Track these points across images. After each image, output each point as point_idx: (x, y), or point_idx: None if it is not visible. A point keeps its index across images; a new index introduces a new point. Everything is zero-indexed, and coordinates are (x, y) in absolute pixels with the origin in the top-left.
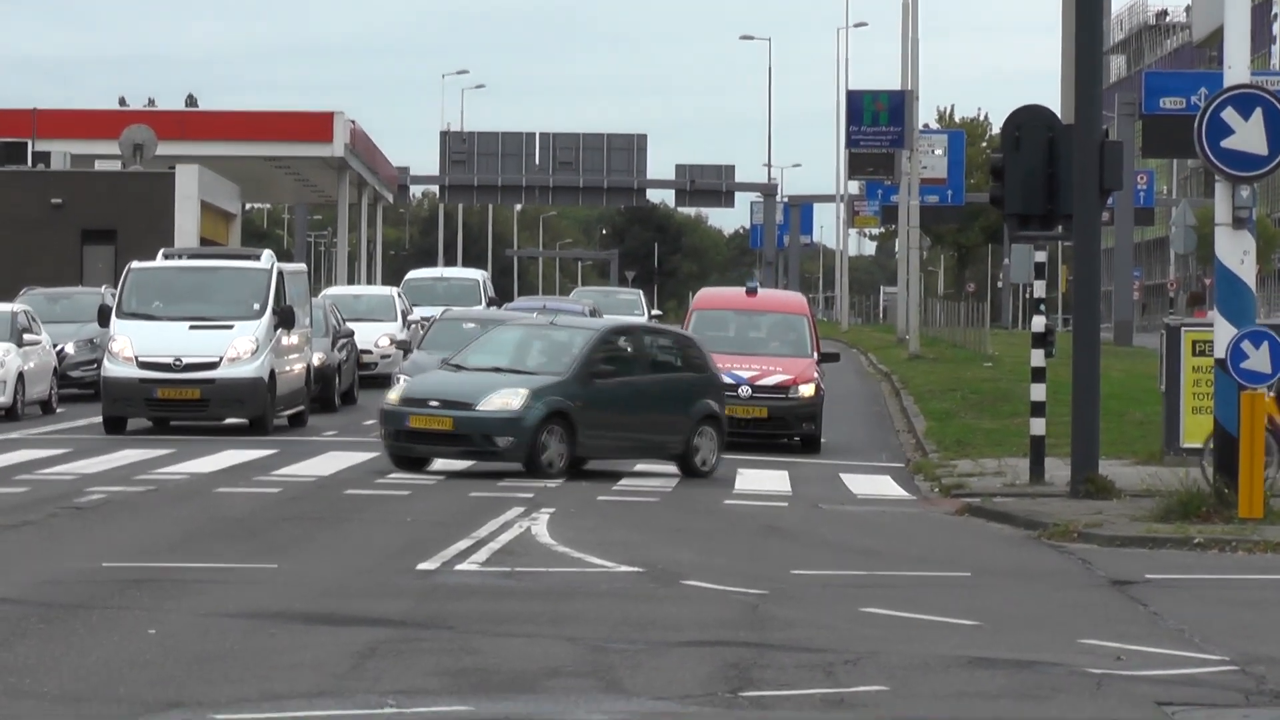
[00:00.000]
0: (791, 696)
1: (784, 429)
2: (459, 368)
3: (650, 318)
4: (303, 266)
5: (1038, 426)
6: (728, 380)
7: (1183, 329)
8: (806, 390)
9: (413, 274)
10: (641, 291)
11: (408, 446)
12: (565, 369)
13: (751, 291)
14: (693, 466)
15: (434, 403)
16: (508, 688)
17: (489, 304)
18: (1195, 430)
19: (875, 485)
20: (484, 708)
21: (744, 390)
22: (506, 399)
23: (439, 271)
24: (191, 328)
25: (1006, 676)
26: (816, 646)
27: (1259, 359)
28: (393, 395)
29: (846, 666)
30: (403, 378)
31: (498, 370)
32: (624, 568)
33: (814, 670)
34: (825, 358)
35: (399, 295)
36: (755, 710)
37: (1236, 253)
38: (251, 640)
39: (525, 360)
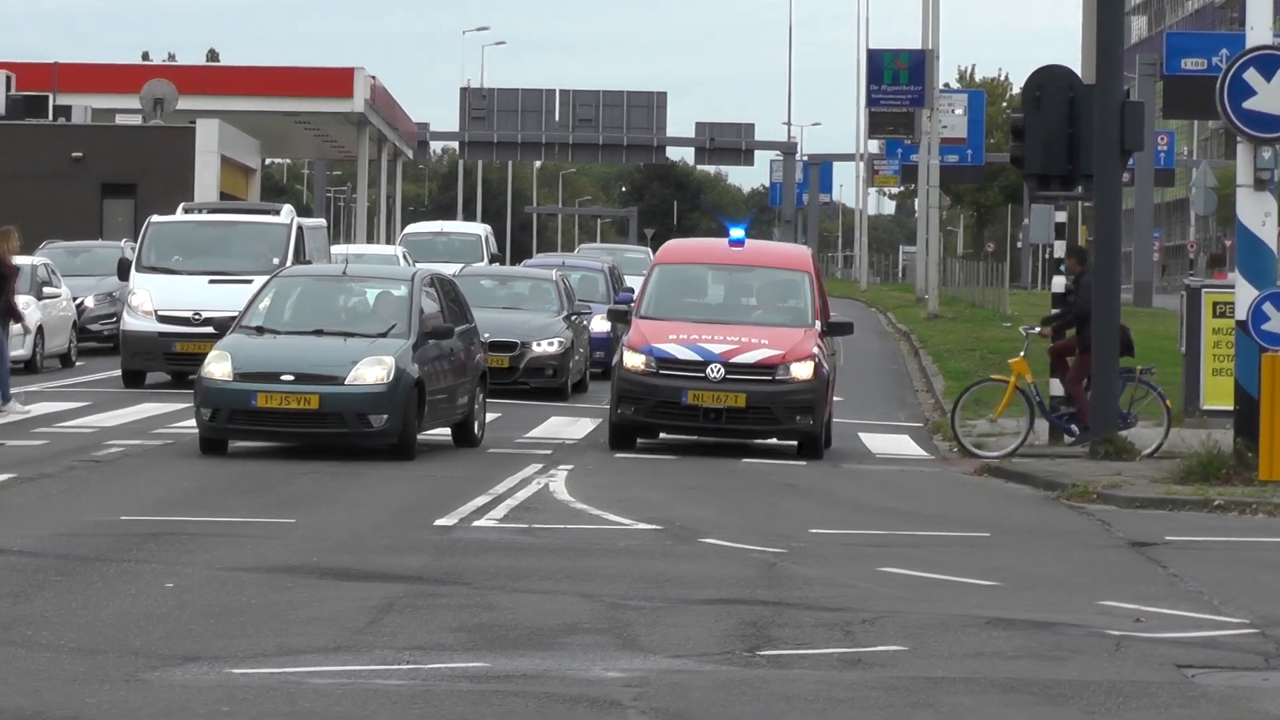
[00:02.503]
0: (809, 655)
1: (768, 423)
2: (266, 331)
3: None
4: (322, 222)
5: (1057, 387)
6: (691, 356)
7: (1203, 290)
8: (801, 370)
9: (411, 228)
10: (650, 248)
11: (247, 430)
12: (406, 329)
13: (737, 242)
14: (471, 435)
15: (287, 376)
16: (525, 644)
17: (491, 260)
18: (1215, 392)
19: (894, 444)
20: (501, 664)
21: (714, 370)
22: (376, 370)
23: (439, 226)
24: (211, 282)
25: (1025, 637)
26: (834, 605)
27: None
28: (216, 369)
29: (864, 626)
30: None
31: (321, 333)
32: (642, 525)
33: (832, 629)
34: (834, 329)
35: (404, 255)
36: (773, 669)
37: (1258, 214)
38: (268, 595)
39: (351, 321)
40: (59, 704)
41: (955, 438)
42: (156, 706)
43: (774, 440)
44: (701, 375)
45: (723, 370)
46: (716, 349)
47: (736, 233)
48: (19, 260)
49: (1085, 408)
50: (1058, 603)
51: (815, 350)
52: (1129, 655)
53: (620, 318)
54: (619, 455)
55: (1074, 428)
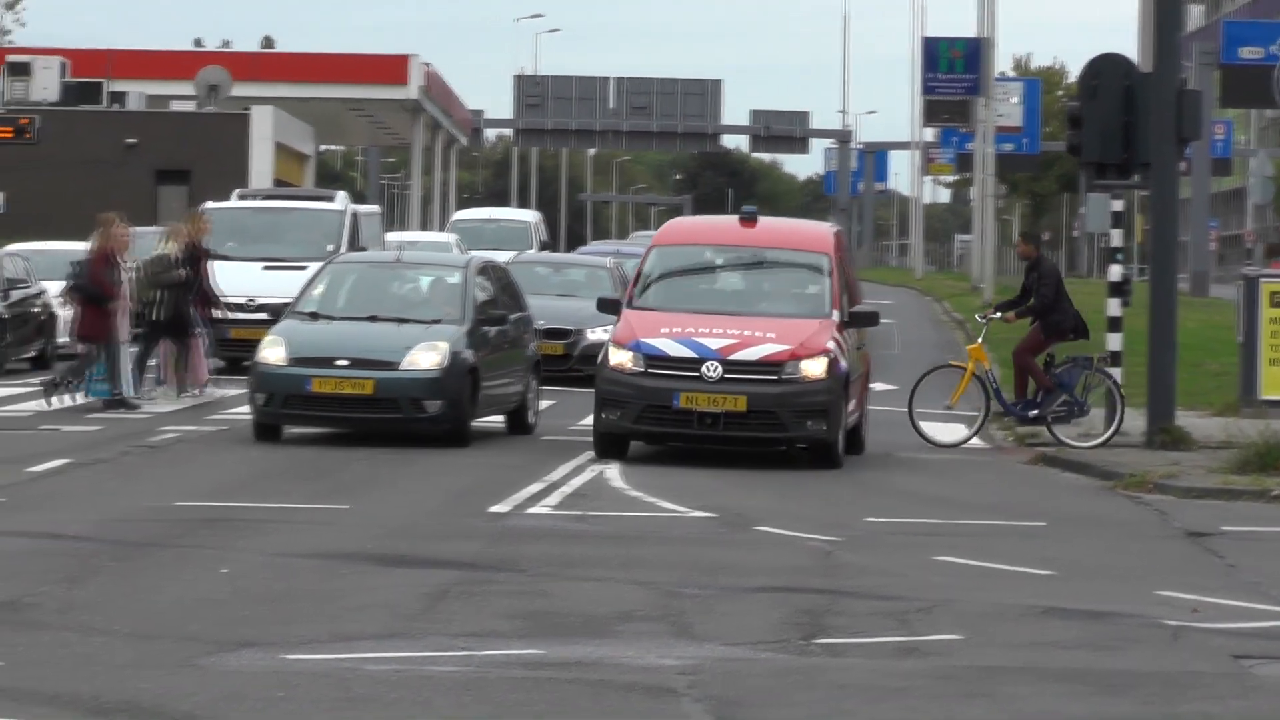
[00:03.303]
0: (864, 644)
1: (773, 429)
2: (320, 317)
3: None
4: (377, 208)
5: (1113, 376)
6: (685, 352)
7: (1260, 280)
8: (813, 368)
9: (460, 215)
10: None
11: (301, 415)
12: (459, 316)
13: (749, 219)
14: (525, 422)
15: (342, 361)
16: (578, 631)
17: (541, 247)
18: (1273, 382)
19: (949, 433)
20: (555, 651)
21: (710, 368)
22: (430, 355)
23: (488, 213)
24: (265, 268)
25: (1081, 627)
26: (889, 594)
27: None
28: (271, 354)
29: (919, 615)
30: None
31: (375, 319)
32: (696, 513)
33: (887, 618)
34: (857, 319)
35: (458, 243)
36: (828, 657)
37: None
38: (322, 581)
39: (405, 307)
40: (113, 689)
41: (913, 425)
42: (211, 692)
43: (779, 448)
44: (696, 374)
45: (720, 369)
46: (714, 344)
47: (749, 211)
48: (80, 245)
49: (1039, 379)
50: (1114, 592)
51: (830, 345)
52: (1185, 645)
53: (611, 307)
54: (673, 442)
55: (1030, 414)
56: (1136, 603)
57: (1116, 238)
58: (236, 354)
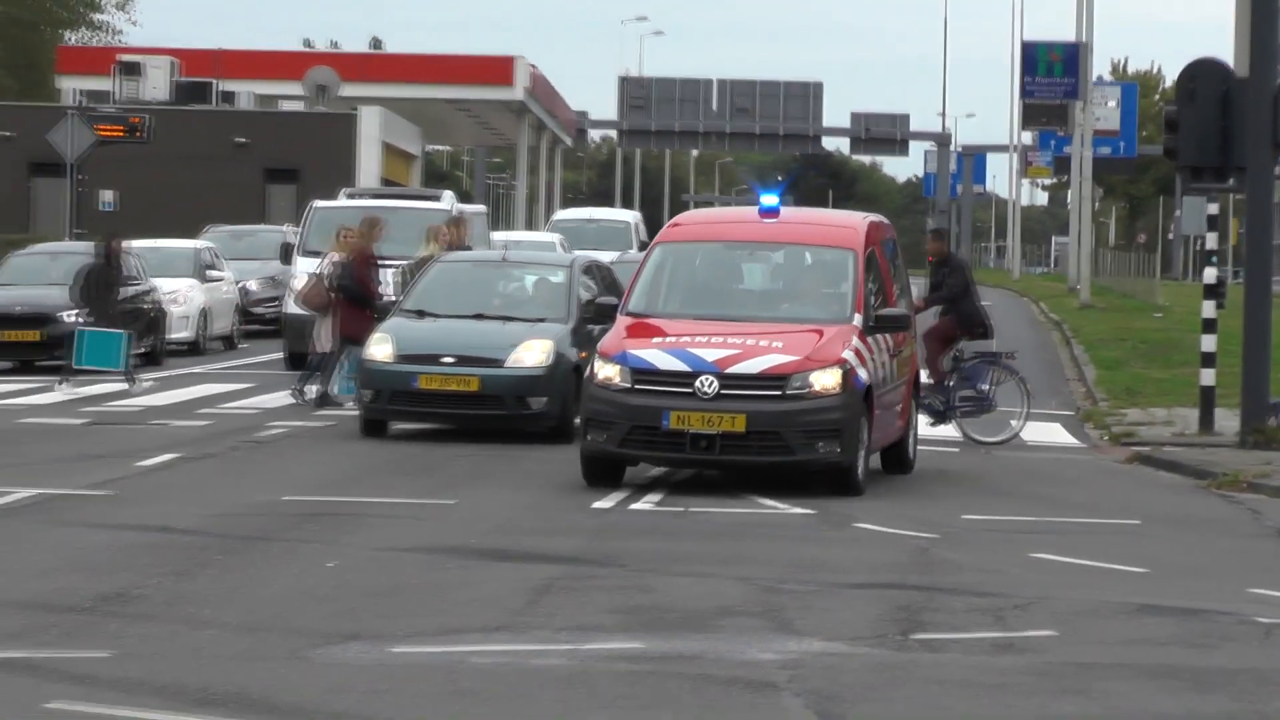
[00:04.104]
0: (961, 640)
1: (777, 452)
2: (427, 314)
3: None
4: (483, 208)
5: (1208, 377)
6: (676, 365)
7: None
8: (824, 380)
9: (560, 214)
10: None
11: (408, 411)
12: (564, 314)
13: (769, 212)
14: None
15: (448, 359)
16: (680, 626)
17: (641, 247)
18: None
19: (1045, 432)
20: (656, 645)
21: (705, 383)
22: (535, 353)
23: (588, 213)
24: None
25: (1175, 624)
26: (986, 591)
27: None
28: (378, 351)
29: (1015, 611)
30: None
31: (481, 317)
32: (796, 509)
33: (983, 614)
34: (884, 323)
35: (562, 243)
36: (925, 652)
37: None
38: (428, 575)
39: (510, 305)
40: (221, 681)
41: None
42: (318, 684)
43: (787, 471)
44: (689, 390)
45: (716, 383)
46: (711, 355)
47: (769, 199)
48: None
49: (933, 367)
50: (1207, 590)
51: (846, 354)
52: (1278, 643)
53: (606, 314)
54: None
55: (939, 409)
56: (1229, 600)
57: (1212, 240)
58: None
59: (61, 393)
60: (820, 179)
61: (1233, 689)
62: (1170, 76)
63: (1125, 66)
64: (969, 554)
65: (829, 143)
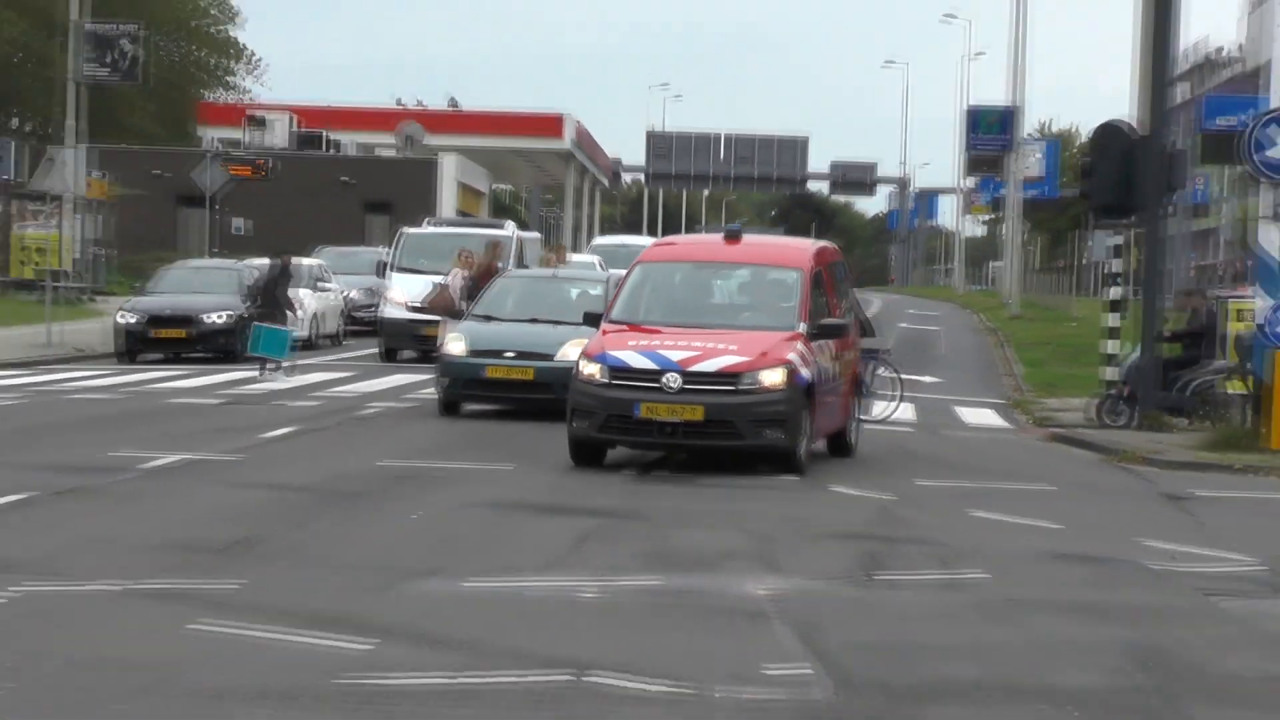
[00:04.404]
0: (914, 580)
1: (731, 438)
2: (493, 319)
3: None
4: (537, 235)
5: (1110, 373)
6: (646, 364)
7: (1228, 299)
8: (771, 377)
9: (598, 240)
10: None
11: (477, 395)
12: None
13: (733, 236)
14: None
15: (509, 353)
16: (692, 567)
17: None
18: (1237, 381)
19: (982, 417)
20: (673, 581)
21: (670, 379)
22: (578, 349)
23: (621, 239)
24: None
25: (1083, 569)
26: (934, 541)
27: None
28: (454, 347)
29: (958, 558)
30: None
31: (536, 321)
32: (786, 477)
33: (931, 559)
34: (825, 330)
35: (600, 262)
36: (886, 590)
37: (1274, 241)
38: (493, 525)
39: (559, 311)
40: (328, 608)
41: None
42: (405, 611)
43: (738, 454)
44: (656, 385)
45: (680, 379)
46: (676, 356)
47: (732, 228)
48: (305, 260)
49: None
50: (1110, 542)
51: (792, 355)
52: (1166, 585)
53: (593, 322)
54: None
55: None
56: (1127, 551)
57: (1117, 265)
58: (427, 348)
59: (264, 377)
60: (805, 214)
61: (1129, 620)
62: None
63: (1050, 126)
64: (921, 512)
65: (813, 185)
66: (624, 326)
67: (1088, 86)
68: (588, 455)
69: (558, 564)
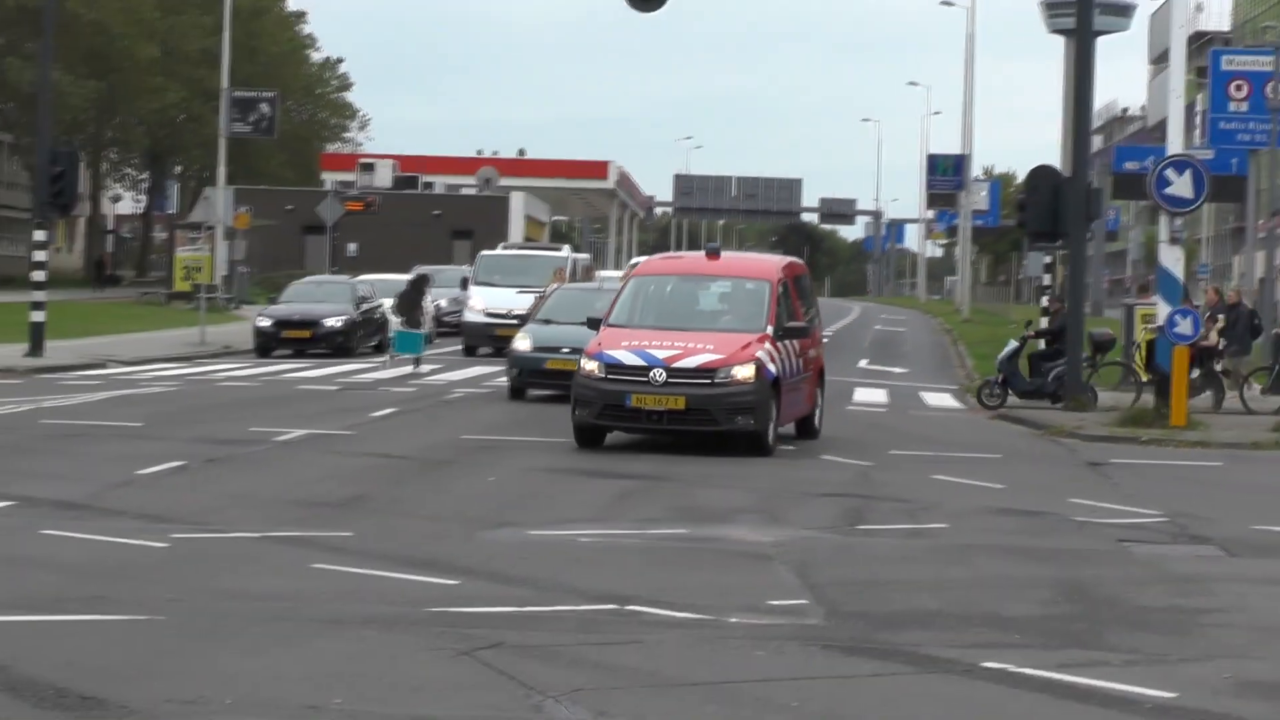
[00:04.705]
0: (887, 529)
1: (708, 423)
2: (552, 322)
3: None
4: (588, 256)
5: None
6: (636, 361)
7: (1135, 306)
8: (742, 372)
9: (635, 260)
10: None
11: (540, 383)
12: (763, 324)
13: (713, 253)
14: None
15: (565, 349)
16: (710, 519)
17: None
18: (1141, 372)
19: (941, 400)
20: (696, 531)
21: (657, 374)
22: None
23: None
24: (518, 292)
25: (1022, 520)
26: (903, 498)
27: (1184, 326)
28: (521, 344)
29: (922, 511)
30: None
31: (586, 323)
32: (786, 446)
33: (901, 513)
34: (789, 332)
35: None
36: (865, 538)
37: (1172, 259)
38: (551, 485)
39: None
40: (419, 552)
41: None
42: (480, 555)
43: (717, 438)
44: (644, 380)
45: (665, 374)
46: (662, 354)
47: (712, 246)
48: (404, 276)
49: None
50: (1042, 499)
51: (760, 354)
52: (1088, 533)
53: (594, 325)
54: None
55: None
56: (1056, 506)
57: (1047, 279)
58: (500, 345)
59: (386, 369)
60: (799, 240)
61: (1058, 561)
62: (1021, 175)
63: (993, 169)
64: (893, 475)
65: (805, 216)
66: (620, 329)
67: (1023, 138)
68: (588, 438)
69: (603, 517)
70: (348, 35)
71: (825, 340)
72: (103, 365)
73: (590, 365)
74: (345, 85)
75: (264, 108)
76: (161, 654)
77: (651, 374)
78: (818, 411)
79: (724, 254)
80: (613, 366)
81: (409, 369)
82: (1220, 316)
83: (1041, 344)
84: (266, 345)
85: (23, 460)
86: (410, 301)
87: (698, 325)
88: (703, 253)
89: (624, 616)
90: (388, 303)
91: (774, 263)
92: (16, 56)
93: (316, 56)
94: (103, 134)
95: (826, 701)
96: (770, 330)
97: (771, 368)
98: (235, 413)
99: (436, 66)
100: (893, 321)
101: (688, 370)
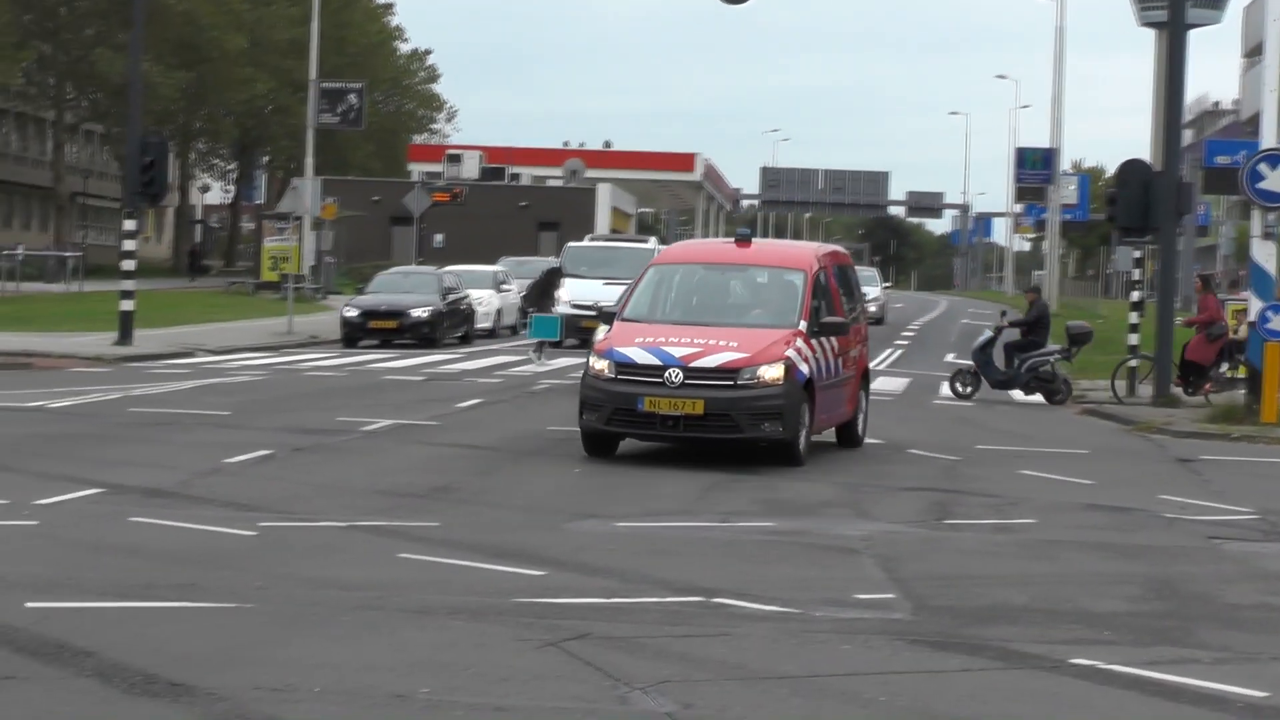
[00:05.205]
0: (974, 524)
1: (730, 431)
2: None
3: (883, 289)
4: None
5: (1131, 361)
6: (650, 360)
7: (1227, 302)
8: (769, 373)
9: None
10: (877, 270)
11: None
12: (795, 319)
13: (744, 240)
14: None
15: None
16: (797, 512)
17: None
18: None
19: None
20: (782, 524)
21: (673, 374)
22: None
23: None
24: (605, 283)
25: (1110, 516)
26: (990, 493)
27: (1277, 322)
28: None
29: (1009, 506)
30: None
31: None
32: (872, 440)
33: (988, 508)
34: (826, 329)
35: None
36: (951, 532)
37: (1264, 255)
38: (636, 477)
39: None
40: (507, 542)
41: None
42: (568, 545)
43: (743, 445)
44: (659, 380)
45: (681, 375)
46: (679, 352)
47: (743, 233)
48: (490, 267)
49: None
50: (1131, 495)
51: (790, 352)
52: (1177, 530)
53: (607, 319)
54: None
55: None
56: (1145, 502)
57: (1137, 274)
58: (587, 336)
59: (536, 364)
60: (885, 233)
61: (1147, 557)
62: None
63: (1082, 163)
64: (980, 470)
65: (892, 210)
66: (635, 324)
67: (1113, 132)
68: (598, 446)
69: (689, 509)
70: (436, 26)
71: (911, 333)
72: (190, 354)
73: (600, 364)
74: (433, 76)
75: (352, 99)
76: (249, 642)
77: (667, 374)
78: (861, 416)
79: (756, 241)
80: (624, 366)
81: (536, 355)
82: None
83: (1017, 333)
84: (353, 335)
85: (112, 448)
86: (542, 291)
87: (722, 320)
88: (732, 240)
89: (710, 609)
90: (474, 294)
91: (811, 250)
92: (107, 47)
93: (404, 48)
94: (191, 124)
95: (914, 696)
96: (804, 326)
97: (804, 368)
98: (322, 402)
99: (524, 58)
100: (980, 315)
101: (707, 370)
